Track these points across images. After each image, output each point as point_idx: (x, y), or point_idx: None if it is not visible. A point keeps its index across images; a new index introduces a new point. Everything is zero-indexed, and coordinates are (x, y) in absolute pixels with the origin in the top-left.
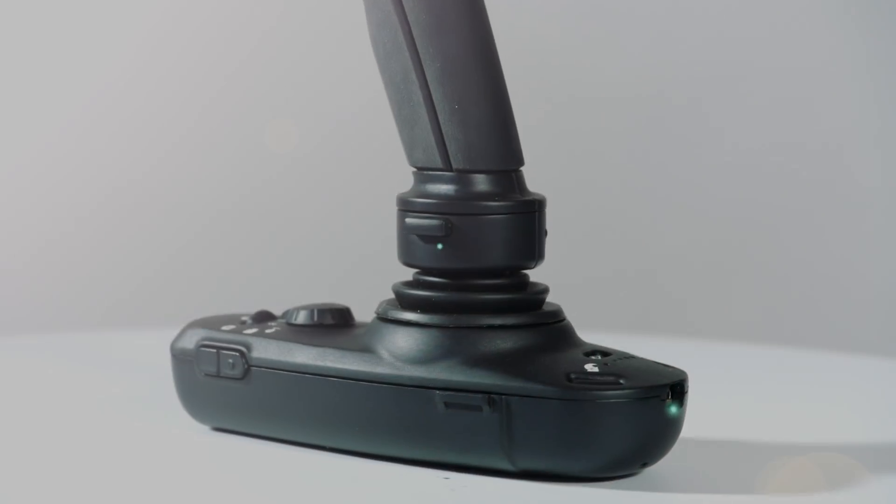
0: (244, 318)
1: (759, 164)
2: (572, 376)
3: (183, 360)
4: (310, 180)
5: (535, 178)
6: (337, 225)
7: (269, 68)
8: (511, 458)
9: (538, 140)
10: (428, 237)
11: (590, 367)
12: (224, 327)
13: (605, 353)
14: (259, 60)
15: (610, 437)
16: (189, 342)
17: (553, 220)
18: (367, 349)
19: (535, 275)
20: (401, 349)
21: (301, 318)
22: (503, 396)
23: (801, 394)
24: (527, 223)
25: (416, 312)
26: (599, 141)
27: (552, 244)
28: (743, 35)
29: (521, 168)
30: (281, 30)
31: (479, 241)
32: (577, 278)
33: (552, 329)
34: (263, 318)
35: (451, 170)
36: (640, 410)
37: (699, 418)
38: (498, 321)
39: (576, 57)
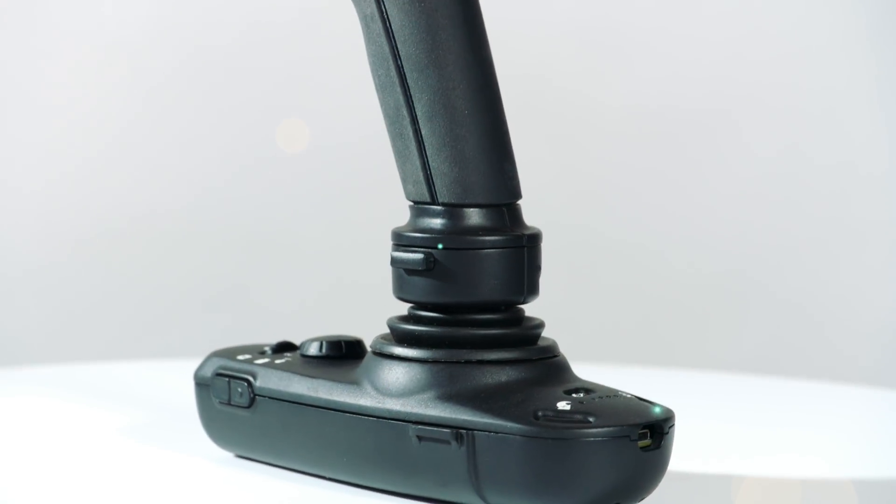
0: (265, 349)
1: (765, 190)
2: (539, 414)
3: (203, 388)
4: (342, 209)
5: (537, 205)
6: (372, 254)
7: (284, 105)
8: (481, 495)
9: (540, 167)
10: (412, 271)
11: (561, 405)
12: (240, 356)
13: (588, 390)
14: (274, 100)
15: (577, 476)
16: (208, 370)
17: (559, 248)
18: (355, 382)
19: (538, 307)
20: (383, 382)
21: (312, 349)
22: (470, 432)
23: (814, 427)
24: (513, 258)
25: (402, 346)
26: (604, 167)
27: (559, 274)
28: (752, 60)
29: (517, 202)
30: (291, 64)
31: (461, 275)
32: (583, 308)
33: (539, 365)
34: (283, 348)
35: (437, 203)
36: (609, 450)
37: (702, 453)
38: (476, 356)
39: (581, 83)
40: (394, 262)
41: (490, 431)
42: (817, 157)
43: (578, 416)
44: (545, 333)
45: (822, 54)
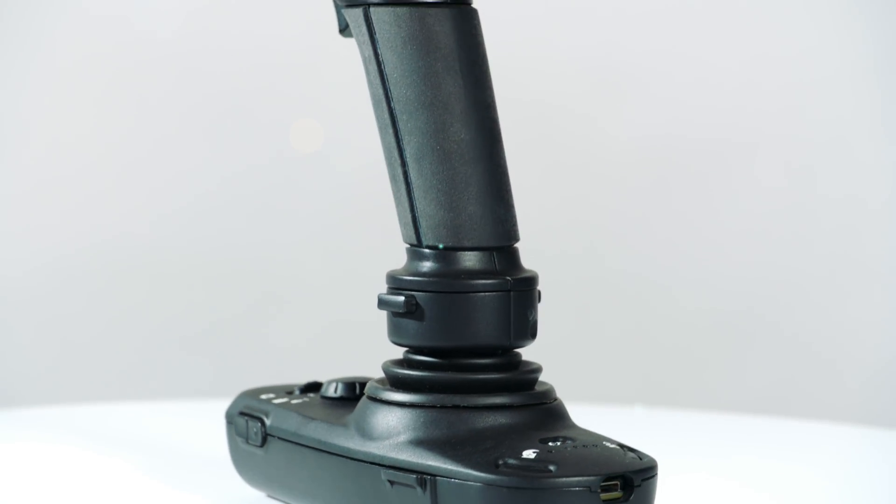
0: (293, 389)
1: (773, 225)
2: (500, 462)
3: (231, 426)
4: (352, 243)
5: (542, 239)
6: None
7: (284, 139)
8: None
9: (546, 200)
10: (397, 313)
11: (527, 454)
12: (263, 396)
13: (568, 438)
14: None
15: None
16: (235, 409)
17: (564, 282)
18: (345, 424)
19: (541, 345)
20: (366, 425)
21: (329, 390)
22: (433, 478)
23: (823, 470)
24: (497, 303)
25: (388, 390)
26: (610, 200)
27: (563, 310)
28: (761, 93)
29: (513, 244)
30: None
31: (443, 319)
32: (587, 345)
33: (528, 411)
34: (309, 388)
35: (422, 246)
36: (567, 501)
37: (698, 501)
38: (453, 402)
39: (589, 113)
40: (379, 304)
41: (451, 478)
42: (826, 191)
43: (540, 466)
44: (547, 377)
45: (830, 87)
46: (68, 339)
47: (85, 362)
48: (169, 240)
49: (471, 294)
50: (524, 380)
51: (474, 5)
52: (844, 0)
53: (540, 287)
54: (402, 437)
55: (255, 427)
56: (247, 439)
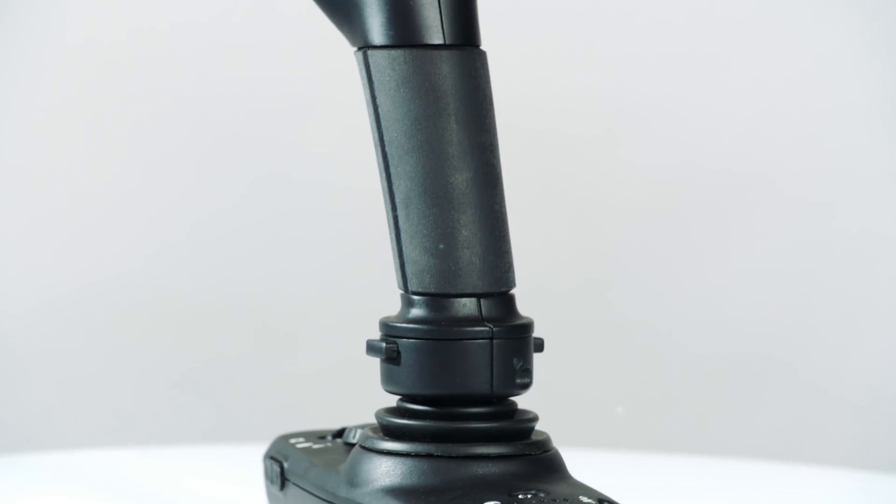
0: (325, 434)
1: (785, 264)
2: None
3: (263, 468)
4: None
5: (547, 279)
6: None
7: (284, 178)
8: None
9: (551, 240)
10: (384, 359)
11: None
12: (292, 440)
13: (542, 491)
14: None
15: None
16: (268, 451)
17: (571, 324)
18: (338, 470)
19: (543, 391)
20: (352, 471)
21: (349, 436)
22: None
23: None
24: (476, 351)
25: (376, 438)
26: (618, 242)
27: (569, 352)
28: (771, 130)
29: (499, 291)
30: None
31: (421, 367)
32: (594, 390)
33: (511, 462)
34: (338, 434)
35: (408, 292)
36: None
37: None
38: (427, 451)
39: (597, 155)
40: (367, 349)
41: None
42: (842, 226)
43: None
44: (550, 424)
45: (846, 119)
46: (63, 379)
47: (81, 404)
48: (166, 274)
49: (449, 341)
50: (517, 429)
51: (483, 46)
52: (863, 31)
53: (541, 334)
54: (378, 485)
55: (276, 470)
56: (272, 482)
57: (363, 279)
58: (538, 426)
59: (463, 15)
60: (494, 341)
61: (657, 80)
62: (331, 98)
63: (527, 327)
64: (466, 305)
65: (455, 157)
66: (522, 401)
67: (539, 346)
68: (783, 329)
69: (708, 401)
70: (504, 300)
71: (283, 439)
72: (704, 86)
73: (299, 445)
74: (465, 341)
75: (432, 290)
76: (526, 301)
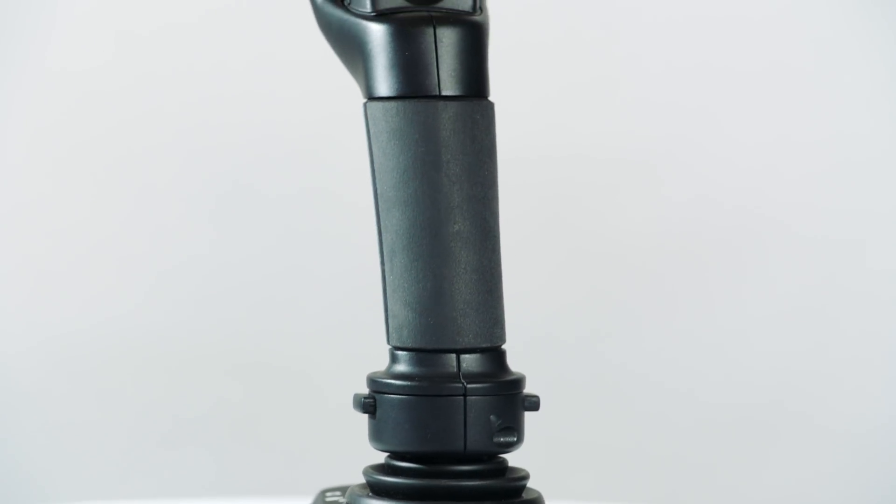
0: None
1: (799, 312)
2: None
3: None
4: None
5: (551, 332)
6: None
7: (284, 229)
8: None
9: (557, 291)
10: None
11: None
12: (328, 494)
13: None
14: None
15: None
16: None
17: (577, 380)
18: None
19: (546, 446)
20: None
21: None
22: None
23: None
24: (447, 407)
25: (362, 496)
26: (624, 290)
27: (577, 408)
28: (782, 179)
29: (481, 347)
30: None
31: (395, 423)
32: (601, 445)
33: None
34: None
35: (390, 345)
36: None
37: None
38: None
39: (604, 203)
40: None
41: None
42: (857, 270)
43: None
44: (549, 482)
45: (855, 159)
46: (54, 427)
47: (73, 453)
48: (159, 318)
49: (421, 398)
50: (507, 487)
51: (493, 96)
52: (881, 65)
53: (546, 386)
54: None
55: None
56: None
57: (366, 322)
58: (532, 483)
59: (463, 66)
60: (468, 398)
61: (665, 123)
62: (331, 144)
63: (512, 384)
64: (443, 361)
65: (442, 211)
66: (532, 457)
67: (533, 404)
68: (796, 378)
69: (717, 454)
70: (488, 356)
71: (322, 492)
72: (714, 129)
73: (328, 499)
74: (436, 398)
75: (409, 345)
76: (529, 352)
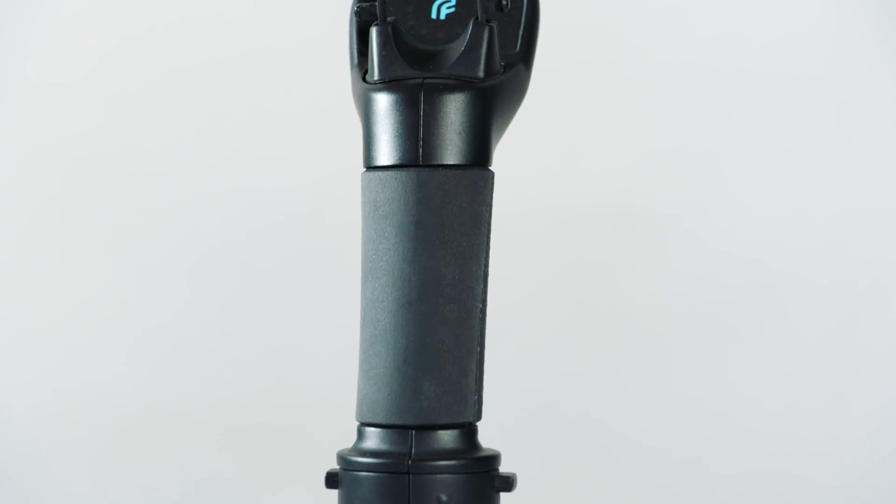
0: None
1: (810, 381)
2: None
3: None
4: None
5: (556, 395)
6: None
7: (284, 295)
8: None
9: (562, 356)
10: None
11: None
12: None
13: None
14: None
15: None
16: None
17: (585, 450)
18: None
19: None
20: None
21: None
22: None
23: None
24: (390, 485)
25: None
26: (630, 358)
27: (585, 479)
28: (795, 238)
29: (438, 423)
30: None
31: (347, 497)
32: None
33: None
34: None
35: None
36: None
37: None
38: None
39: (602, 272)
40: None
41: None
42: (866, 342)
43: None
44: None
45: (865, 233)
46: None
47: None
48: (158, 392)
49: (367, 474)
50: None
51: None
52: (885, 136)
53: (550, 457)
54: None
55: None
56: None
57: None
58: None
59: (452, 135)
60: (414, 477)
61: (670, 188)
62: (321, 209)
63: (474, 462)
64: (397, 438)
65: (406, 283)
66: None
67: (505, 483)
68: (808, 446)
69: None
70: (449, 433)
71: None
72: (719, 194)
73: None
74: (382, 475)
75: (369, 420)
76: (528, 423)
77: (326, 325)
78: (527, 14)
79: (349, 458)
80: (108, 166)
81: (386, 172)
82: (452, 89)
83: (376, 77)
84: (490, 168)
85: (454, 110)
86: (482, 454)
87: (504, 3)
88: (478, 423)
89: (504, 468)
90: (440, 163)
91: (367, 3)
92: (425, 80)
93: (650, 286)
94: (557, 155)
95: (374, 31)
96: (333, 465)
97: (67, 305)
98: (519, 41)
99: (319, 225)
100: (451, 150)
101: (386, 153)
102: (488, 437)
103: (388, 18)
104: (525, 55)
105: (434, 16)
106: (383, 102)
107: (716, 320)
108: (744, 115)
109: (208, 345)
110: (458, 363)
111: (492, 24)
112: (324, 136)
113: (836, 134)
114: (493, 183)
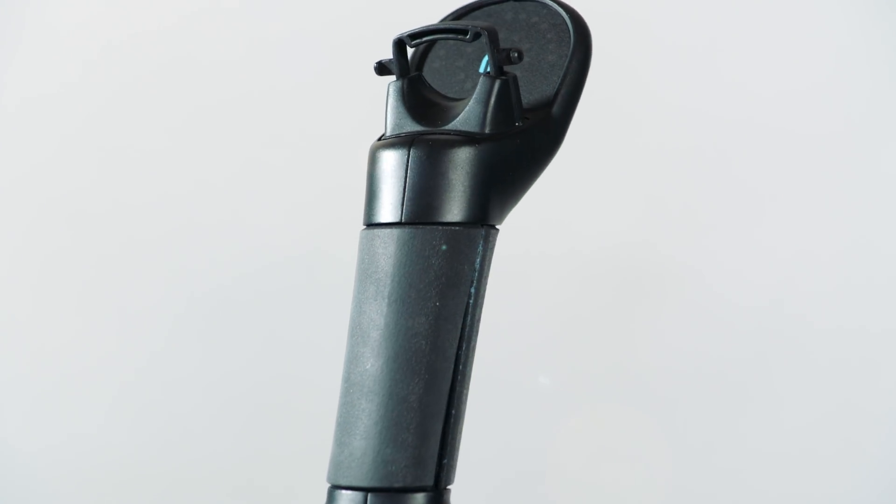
0: None
1: (815, 446)
2: None
3: None
4: None
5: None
6: None
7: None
8: None
9: (558, 426)
10: None
11: None
12: None
13: None
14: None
15: None
16: None
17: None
18: None
19: None
20: None
21: None
22: None
23: None
24: None
25: None
26: (638, 429)
27: None
28: (798, 301)
29: (396, 487)
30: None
31: None
32: None
33: None
34: None
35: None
36: None
37: None
38: None
39: (606, 331)
40: None
41: None
42: (872, 401)
43: None
44: None
45: (873, 272)
46: None
47: None
48: (144, 443)
49: None
50: None
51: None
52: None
53: None
54: None
55: None
56: None
57: None
58: None
59: (439, 192)
60: None
61: (676, 240)
62: (319, 266)
63: None
64: (353, 500)
65: (375, 343)
66: None
67: None
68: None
69: None
70: (406, 498)
71: None
72: (725, 244)
73: None
74: None
75: (332, 481)
76: (531, 483)
77: (310, 383)
78: (571, 65)
79: None
80: (87, 212)
81: (370, 231)
82: (442, 145)
83: (385, 133)
84: (488, 225)
85: (442, 166)
86: None
87: (513, 55)
88: (450, 487)
89: None
90: (422, 221)
91: (388, 59)
92: (416, 137)
93: (657, 341)
94: (561, 206)
95: (388, 87)
96: None
97: (46, 355)
98: (556, 95)
99: (311, 281)
100: (436, 208)
101: (374, 210)
102: (475, 502)
103: (412, 73)
104: (558, 110)
105: (483, 69)
106: (377, 158)
107: (723, 375)
108: (750, 164)
109: (194, 398)
110: (420, 425)
111: (503, 78)
112: (323, 188)
113: (844, 182)
114: (484, 241)
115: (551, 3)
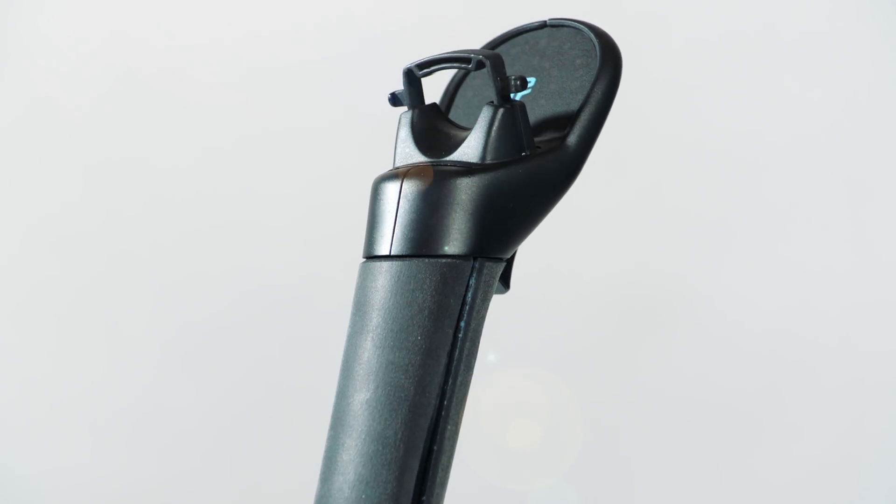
0: None
1: (822, 471)
2: None
3: None
4: None
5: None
6: None
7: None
8: None
9: (560, 460)
10: None
11: None
12: None
13: None
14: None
15: None
16: None
17: None
18: None
19: None
20: None
21: None
22: None
23: None
24: None
25: None
26: (641, 462)
27: None
28: (802, 328)
29: None
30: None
31: None
32: None
33: None
34: None
35: None
36: None
37: None
38: None
39: (609, 361)
40: None
41: None
42: (880, 442)
43: None
44: None
45: (876, 317)
46: None
47: None
48: (141, 476)
49: None
50: None
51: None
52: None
53: None
54: None
55: None
56: None
57: None
58: None
59: (429, 224)
60: None
61: (680, 271)
62: (318, 300)
63: None
64: None
65: (358, 377)
66: None
67: None
68: None
69: None
70: None
71: None
72: (729, 274)
73: None
74: None
75: None
76: None
77: (304, 413)
78: (592, 92)
79: None
80: (92, 246)
81: (367, 263)
82: (435, 175)
83: (395, 164)
84: (484, 257)
85: (431, 198)
86: None
87: (515, 82)
88: None
89: None
90: (410, 253)
91: (400, 90)
92: (411, 168)
93: (658, 376)
94: (565, 236)
95: (399, 118)
96: None
97: (35, 382)
98: (573, 123)
99: (307, 312)
100: (424, 241)
101: (370, 243)
102: None
103: (425, 104)
104: (574, 138)
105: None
106: (375, 190)
107: (733, 403)
108: (762, 191)
109: (183, 429)
110: (395, 461)
111: (507, 106)
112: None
113: (855, 206)
114: (477, 273)
115: (584, 29)
